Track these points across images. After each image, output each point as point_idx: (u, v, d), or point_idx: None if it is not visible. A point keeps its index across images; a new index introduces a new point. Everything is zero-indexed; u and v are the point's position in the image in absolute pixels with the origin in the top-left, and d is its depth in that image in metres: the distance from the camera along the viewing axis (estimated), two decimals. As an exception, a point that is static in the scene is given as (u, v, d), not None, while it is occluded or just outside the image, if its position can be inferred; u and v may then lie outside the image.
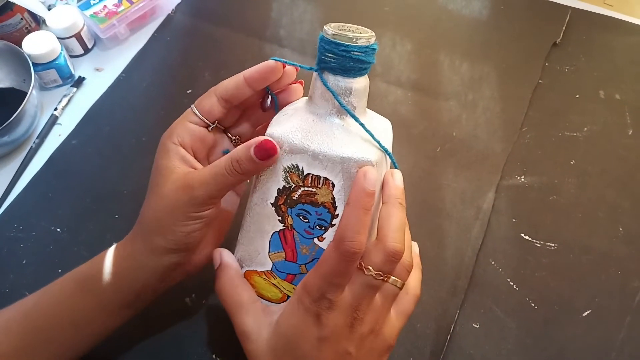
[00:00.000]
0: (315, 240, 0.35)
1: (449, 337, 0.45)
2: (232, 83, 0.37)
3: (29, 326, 0.36)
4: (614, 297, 0.48)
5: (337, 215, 0.34)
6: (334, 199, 0.34)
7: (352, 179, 0.33)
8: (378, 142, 0.34)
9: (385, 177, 0.35)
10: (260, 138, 0.33)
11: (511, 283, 0.48)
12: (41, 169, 0.55)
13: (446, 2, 0.71)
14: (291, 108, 0.37)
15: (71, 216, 0.51)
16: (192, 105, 0.38)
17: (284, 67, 0.37)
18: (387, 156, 0.35)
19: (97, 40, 0.66)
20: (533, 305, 0.47)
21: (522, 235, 0.51)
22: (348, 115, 0.34)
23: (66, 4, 0.66)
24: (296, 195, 0.34)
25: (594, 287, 0.48)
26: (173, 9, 0.69)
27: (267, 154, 0.33)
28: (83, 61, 0.64)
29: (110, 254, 0.38)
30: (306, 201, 0.34)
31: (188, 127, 0.38)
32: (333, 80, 0.33)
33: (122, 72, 0.63)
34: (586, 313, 0.47)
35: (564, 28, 0.67)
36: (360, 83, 0.34)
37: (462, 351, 0.44)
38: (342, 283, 0.32)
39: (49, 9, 0.63)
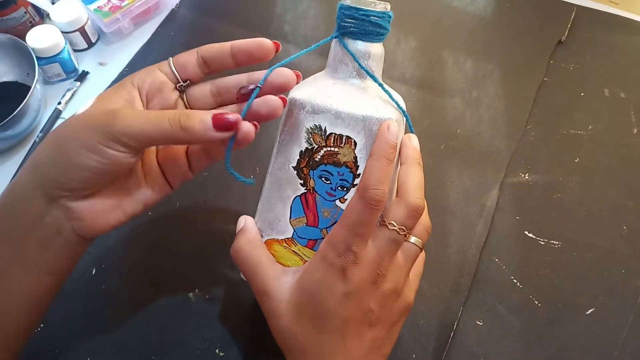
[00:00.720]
0: (337, 202, 0.36)
1: (452, 335, 0.45)
2: (216, 46, 0.36)
3: None
4: (617, 295, 0.47)
5: (359, 175, 0.35)
6: (356, 158, 0.35)
7: (373, 137, 0.34)
8: (397, 103, 0.36)
9: (402, 140, 0.36)
10: (226, 112, 0.32)
11: (515, 281, 0.48)
12: (44, 163, 0.55)
13: (451, -1, 0.71)
14: (309, 78, 0.38)
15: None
16: (170, 58, 0.36)
17: (277, 50, 0.36)
18: (404, 118, 0.37)
19: (101, 35, 0.66)
20: (536, 303, 0.47)
21: (526, 233, 0.51)
22: (367, 77, 0.36)
23: (70, -3, 0.65)
24: (319, 156, 0.35)
25: (597, 285, 0.48)
26: (177, 4, 0.69)
27: (225, 124, 0.31)
28: (87, 55, 0.64)
29: None
30: (329, 162, 0.35)
31: (154, 73, 0.36)
32: (352, 44, 0.35)
33: (126, 67, 0.63)
34: (589, 311, 0.47)
35: (569, 26, 0.66)
36: (378, 48, 0.36)
37: (465, 348, 0.44)
38: (366, 233, 0.32)
39: (53, 3, 0.63)
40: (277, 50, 0.36)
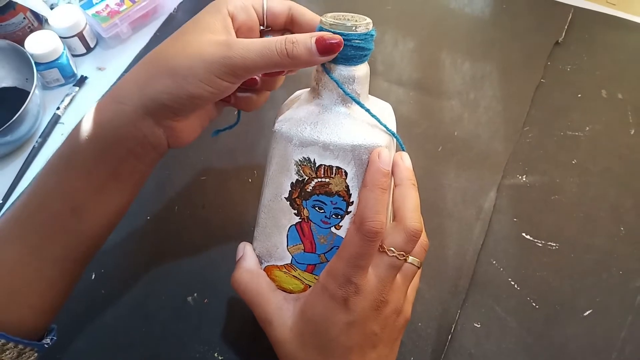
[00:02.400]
0: (333, 229, 0.36)
1: (450, 337, 0.45)
2: (308, 16, 0.36)
3: (28, 225, 0.33)
4: (616, 296, 0.48)
5: (352, 202, 0.35)
6: (347, 186, 0.35)
7: (364, 165, 0.34)
8: (385, 127, 0.35)
9: (394, 160, 0.35)
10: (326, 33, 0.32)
11: (512, 282, 0.48)
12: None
13: (448, 1, 0.71)
14: (294, 102, 0.37)
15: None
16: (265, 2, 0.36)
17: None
18: (394, 139, 0.36)
19: (99, 39, 0.66)
20: (534, 304, 0.47)
21: (524, 234, 0.51)
22: (353, 103, 0.35)
23: (69, 3, 0.66)
24: (310, 187, 0.35)
25: (595, 286, 0.48)
26: (175, 8, 0.69)
27: (328, 49, 0.31)
28: (85, 60, 0.65)
29: (91, 115, 0.34)
30: (320, 192, 0.35)
31: (249, 10, 0.35)
32: (336, 70, 0.34)
33: (124, 71, 0.63)
34: (587, 312, 0.47)
35: (566, 27, 0.66)
36: (362, 70, 0.34)
37: (463, 350, 0.44)
38: (366, 265, 0.33)
39: (52, 8, 0.64)
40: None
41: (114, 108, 0.33)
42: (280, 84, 0.41)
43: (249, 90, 0.40)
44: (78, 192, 0.33)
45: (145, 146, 0.34)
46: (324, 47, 0.31)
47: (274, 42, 0.31)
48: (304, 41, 0.31)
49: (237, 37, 0.35)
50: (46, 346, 0.34)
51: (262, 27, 0.36)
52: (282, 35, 0.33)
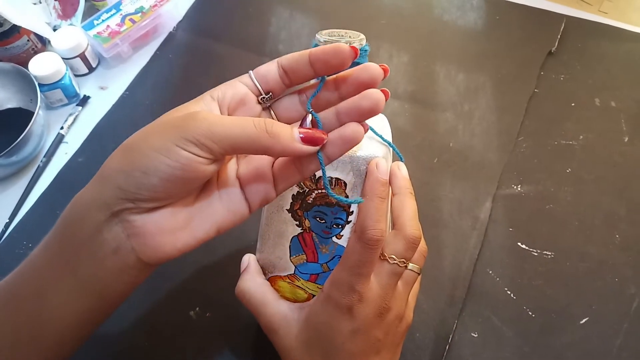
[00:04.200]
0: (334, 238, 0.37)
1: (447, 347, 0.45)
2: (296, 55, 0.31)
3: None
4: (611, 304, 0.48)
5: (352, 212, 0.36)
6: (347, 197, 0.36)
7: (362, 175, 0.35)
8: (382, 137, 0.36)
9: (392, 170, 0.36)
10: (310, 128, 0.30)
11: (509, 292, 0.49)
12: (49, 186, 0.56)
13: (442, 14, 0.72)
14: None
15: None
16: (250, 71, 0.32)
17: (355, 55, 0.30)
18: (391, 150, 0.37)
19: (101, 59, 0.68)
20: (530, 313, 0.47)
21: (519, 244, 0.51)
22: None
23: (70, 25, 0.67)
24: (311, 199, 0.36)
25: (590, 294, 0.49)
26: (174, 27, 0.70)
27: (313, 141, 0.29)
28: (88, 80, 0.66)
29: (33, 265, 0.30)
30: (321, 203, 0.36)
31: (236, 86, 0.32)
32: None
33: (126, 90, 0.64)
34: (583, 320, 0.47)
35: (559, 36, 0.67)
36: None
37: (460, 360, 0.45)
38: (368, 273, 0.34)
39: (54, 30, 0.65)
40: (355, 56, 0.31)
41: (78, 194, 0.30)
42: None
43: None
44: (42, 277, 0.30)
45: (101, 246, 0.28)
46: (308, 139, 0.29)
47: (254, 118, 0.29)
48: (288, 130, 0.29)
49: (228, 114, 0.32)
50: None
51: (262, 96, 0.32)
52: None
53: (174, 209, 0.30)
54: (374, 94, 0.29)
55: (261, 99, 0.32)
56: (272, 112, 0.33)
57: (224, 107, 0.31)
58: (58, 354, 0.32)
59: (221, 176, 0.32)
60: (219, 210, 0.31)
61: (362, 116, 0.30)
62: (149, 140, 0.28)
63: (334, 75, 0.32)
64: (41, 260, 0.30)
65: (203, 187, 0.31)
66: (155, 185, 0.27)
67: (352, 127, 0.30)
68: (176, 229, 0.30)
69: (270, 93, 0.32)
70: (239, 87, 0.32)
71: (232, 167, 0.33)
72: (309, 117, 0.31)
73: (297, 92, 0.33)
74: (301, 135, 0.29)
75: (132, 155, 0.28)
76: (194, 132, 0.27)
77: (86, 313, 0.30)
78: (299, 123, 0.31)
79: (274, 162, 0.33)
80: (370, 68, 0.30)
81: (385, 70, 0.31)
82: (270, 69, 0.32)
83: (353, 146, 0.30)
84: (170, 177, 0.27)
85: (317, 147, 0.29)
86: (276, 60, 0.32)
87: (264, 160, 0.33)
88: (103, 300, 0.30)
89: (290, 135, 0.29)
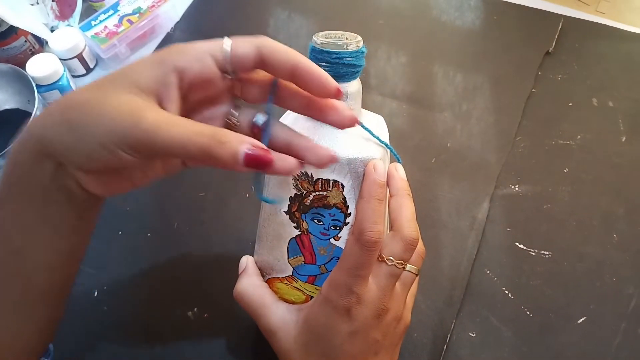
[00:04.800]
0: (332, 240, 0.37)
1: (445, 347, 0.45)
2: (282, 52, 0.30)
3: None
4: (609, 303, 0.48)
5: (350, 214, 0.36)
6: (345, 199, 0.36)
7: (360, 177, 0.35)
8: (379, 139, 0.36)
9: (389, 172, 0.36)
10: (258, 143, 0.28)
11: (506, 292, 0.49)
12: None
13: (440, 14, 0.72)
14: (289, 117, 0.38)
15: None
16: (226, 38, 0.30)
17: (338, 97, 0.30)
18: (388, 151, 0.37)
19: (98, 60, 0.68)
20: (528, 313, 0.47)
21: (517, 244, 0.51)
22: None
23: (68, 25, 0.67)
24: (308, 201, 0.36)
25: (588, 294, 0.49)
26: (172, 27, 0.70)
27: (257, 164, 0.27)
28: (85, 81, 0.66)
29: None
30: (319, 205, 0.36)
31: (205, 62, 0.29)
32: None
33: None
34: (581, 320, 0.47)
35: (556, 37, 0.67)
36: (354, 86, 0.35)
37: (459, 360, 0.45)
38: (366, 274, 0.34)
39: (52, 31, 0.65)
40: (337, 97, 0.30)
41: (15, 151, 0.30)
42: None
43: None
44: (13, 234, 0.31)
45: (58, 190, 0.30)
46: (252, 161, 0.27)
47: (200, 132, 0.27)
48: (232, 146, 0.27)
49: (187, 92, 0.30)
50: None
51: (226, 75, 0.31)
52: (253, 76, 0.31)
53: (116, 172, 0.32)
54: (324, 155, 0.30)
55: (225, 76, 0.31)
56: (236, 88, 0.32)
57: (185, 83, 0.29)
58: (48, 307, 0.34)
59: None
60: (158, 170, 0.34)
61: (304, 158, 0.30)
62: (95, 130, 0.27)
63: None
64: (5, 220, 0.31)
65: None
66: (96, 167, 0.29)
67: (287, 162, 0.28)
68: (117, 181, 0.32)
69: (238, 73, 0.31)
70: (208, 65, 0.30)
71: None
72: (262, 119, 0.31)
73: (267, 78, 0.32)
74: (247, 152, 0.27)
75: (76, 137, 0.28)
76: (136, 142, 0.27)
77: (66, 253, 0.33)
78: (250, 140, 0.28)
79: None
80: (320, 157, 0.31)
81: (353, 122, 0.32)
82: (247, 53, 0.30)
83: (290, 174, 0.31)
84: (109, 164, 0.28)
85: (258, 171, 0.28)
86: (256, 44, 0.30)
87: None
88: (75, 235, 0.33)
89: (234, 158, 0.27)
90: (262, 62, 0.30)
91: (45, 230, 0.31)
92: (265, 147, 0.28)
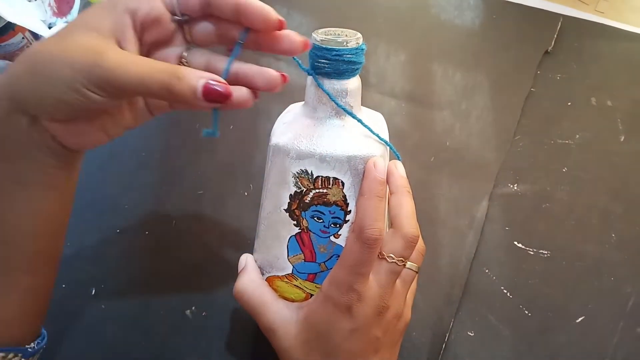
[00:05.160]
0: (332, 238, 0.37)
1: (444, 346, 0.45)
2: None
3: None
4: (607, 302, 0.48)
5: (350, 211, 0.36)
6: (345, 196, 0.35)
7: (360, 175, 0.35)
8: (378, 136, 0.36)
9: (389, 169, 0.36)
10: (216, 77, 0.29)
11: (505, 291, 0.49)
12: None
13: (439, 12, 0.72)
14: (288, 115, 0.38)
15: (73, 232, 0.52)
16: None
17: (281, 27, 0.32)
18: (388, 148, 0.37)
19: (96, 57, 0.67)
20: (527, 312, 0.47)
21: (516, 243, 0.51)
22: (347, 115, 0.36)
23: (66, 22, 0.67)
24: (308, 198, 0.36)
25: (587, 293, 0.49)
26: (171, 25, 0.70)
27: (215, 97, 0.29)
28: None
29: None
30: (319, 202, 0.36)
31: (153, 2, 0.31)
32: (328, 84, 0.35)
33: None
34: (580, 319, 0.47)
35: (555, 36, 0.67)
36: (354, 83, 0.35)
37: (457, 359, 0.45)
38: (367, 272, 0.34)
39: (50, 27, 0.65)
40: (280, 28, 0.32)
41: None
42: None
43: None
44: None
45: (33, 145, 0.30)
46: (210, 94, 0.29)
47: (159, 68, 0.29)
48: (190, 80, 0.29)
49: (141, 33, 0.32)
50: (30, 350, 0.34)
51: (176, 17, 0.32)
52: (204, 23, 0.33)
53: (88, 120, 0.32)
54: (270, 73, 0.33)
55: (175, 19, 0.32)
56: (185, 33, 0.34)
57: (137, 22, 0.31)
58: (35, 274, 0.34)
59: None
60: (127, 116, 0.35)
61: (255, 84, 0.33)
62: (59, 72, 0.28)
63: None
64: None
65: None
66: (65, 110, 0.29)
67: (241, 93, 0.31)
68: (90, 132, 0.33)
69: (187, 16, 0.32)
70: (156, 5, 0.31)
71: None
72: (236, 52, 0.33)
73: (213, 19, 0.33)
74: (206, 85, 0.29)
75: (42, 82, 0.28)
76: (98, 78, 0.28)
77: (47, 214, 0.33)
78: (208, 74, 0.30)
79: None
80: (269, 75, 0.33)
81: (284, 79, 0.34)
82: None
83: (246, 107, 0.32)
84: (79, 107, 0.29)
85: (219, 105, 0.30)
86: None
87: None
88: (54, 192, 0.33)
89: (192, 93, 0.29)
90: (207, 3, 0.32)
91: (24, 192, 0.31)
92: (223, 80, 0.29)
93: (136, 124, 0.37)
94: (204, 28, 0.33)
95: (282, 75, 0.33)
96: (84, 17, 0.30)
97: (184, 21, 0.33)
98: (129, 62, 0.28)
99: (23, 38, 0.64)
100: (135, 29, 0.31)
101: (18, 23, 0.61)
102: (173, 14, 0.32)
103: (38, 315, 0.36)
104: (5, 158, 0.31)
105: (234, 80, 0.33)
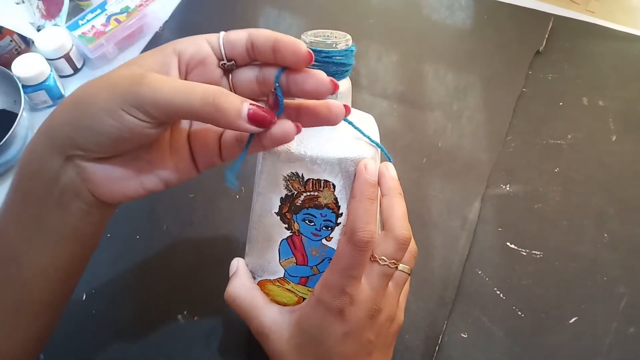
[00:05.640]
0: (323, 241, 0.37)
1: (437, 348, 0.45)
2: (266, 33, 0.30)
3: None
4: (600, 303, 0.48)
5: (342, 214, 0.36)
6: (336, 199, 0.35)
7: (351, 177, 0.35)
8: (369, 138, 0.36)
9: (380, 171, 0.36)
10: (257, 104, 0.29)
11: (498, 292, 0.48)
12: (33, 189, 0.55)
13: (430, 13, 0.72)
14: None
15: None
16: (221, 32, 0.32)
17: (310, 61, 0.30)
18: (379, 150, 0.37)
19: (86, 60, 0.67)
20: (520, 313, 0.47)
21: (508, 244, 0.51)
22: None
23: (55, 25, 0.66)
24: (299, 201, 0.36)
25: (580, 293, 0.49)
26: (161, 27, 0.70)
27: (259, 120, 0.29)
28: (73, 81, 0.65)
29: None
30: (310, 205, 0.36)
31: (200, 44, 0.31)
32: None
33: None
34: (573, 320, 0.47)
35: (546, 36, 0.67)
36: (344, 85, 0.35)
37: (450, 361, 0.45)
38: (359, 275, 0.33)
39: (38, 30, 0.64)
40: (310, 62, 0.30)
41: (28, 144, 0.30)
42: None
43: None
44: (12, 240, 0.31)
45: (63, 191, 0.30)
46: (255, 115, 0.29)
47: (203, 86, 0.28)
48: (237, 99, 0.28)
49: (186, 74, 0.31)
50: None
51: (224, 62, 0.31)
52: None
53: (124, 160, 0.31)
54: (337, 107, 0.31)
55: (222, 65, 0.31)
56: (230, 80, 0.32)
57: (183, 64, 0.31)
58: (42, 317, 0.33)
59: (173, 134, 0.33)
60: (168, 166, 0.33)
61: (317, 123, 0.31)
62: (98, 97, 0.28)
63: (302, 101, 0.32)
64: (7, 225, 0.31)
65: (155, 142, 0.32)
66: (102, 142, 0.28)
67: (285, 126, 0.30)
68: (125, 179, 0.31)
69: (233, 61, 0.31)
70: (203, 47, 0.31)
71: (185, 125, 0.34)
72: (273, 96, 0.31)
73: (259, 66, 0.32)
74: (250, 111, 0.28)
75: (80, 111, 0.28)
76: (138, 98, 0.27)
77: (63, 264, 0.32)
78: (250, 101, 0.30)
79: (222, 133, 0.34)
80: (334, 108, 0.31)
81: (335, 86, 0.31)
82: (240, 37, 0.31)
83: (280, 144, 0.31)
84: (117, 137, 0.28)
85: (262, 129, 0.29)
86: (248, 30, 0.31)
87: (211, 130, 0.34)
88: (75, 246, 0.32)
89: (237, 112, 0.28)
90: (252, 46, 0.31)
91: (44, 237, 0.31)
92: (264, 107, 0.29)
93: (177, 175, 0.33)
94: (246, 76, 0.32)
95: (332, 81, 0.31)
96: (131, 61, 0.30)
97: (230, 67, 0.32)
98: (171, 81, 0.28)
99: (11, 41, 0.63)
100: (181, 70, 0.31)
101: (6, 26, 0.60)
102: (220, 59, 0.31)
103: (40, 349, 0.35)
104: (33, 198, 0.30)
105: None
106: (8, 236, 0.31)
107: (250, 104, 0.29)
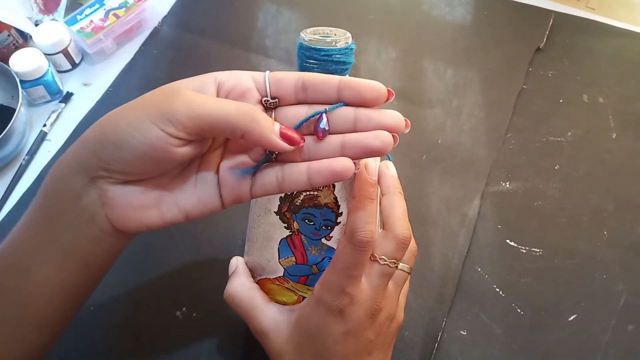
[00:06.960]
0: (323, 240, 0.37)
1: (436, 345, 0.45)
2: (323, 76, 0.30)
3: None
4: (599, 300, 0.48)
5: (341, 213, 0.36)
6: (336, 198, 0.35)
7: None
8: None
9: (380, 170, 0.36)
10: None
11: (497, 289, 0.48)
12: (31, 185, 0.55)
13: (430, 9, 0.71)
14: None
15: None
16: (267, 71, 0.31)
17: (389, 98, 0.30)
18: None
19: (84, 55, 0.66)
20: (519, 310, 0.47)
21: (508, 241, 0.51)
22: None
23: (53, 20, 0.66)
24: (299, 201, 0.36)
25: (579, 291, 0.49)
26: (159, 22, 0.69)
27: (290, 140, 0.29)
28: (71, 76, 0.65)
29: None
30: (309, 205, 0.35)
31: (243, 77, 0.31)
32: None
33: (110, 87, 0.63)
34: (572, 317, 0.47)
35: (547, 32, 0.67)
36: None
37: (450, 358, 0.45)
38: (359, 274, 0.33)
39: (36, 25, 0.64)
40: (388, 98, 0.30)
41: (57, 160, 0.30)
42: None
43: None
44: (23, 250, 0.31)
45: (80, 212, 0.29)
46: (286, 135, 0.29)
47: (237, 102, 0.29)
48: (269, 117, 0.29)
49: None
50: None
51: (267, 99, 0.31)
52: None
53: (147, 186, 0.30)
54: (386, 137, 0.29)
55: (265, 101, 0.31)
56: (273, 117, 0.31)
57: (223, 93, 0.30)
58: (43, 334, 0.32)
59: (202, 165, 0.32)
60: (191, 198, 0.31)
61: (366, 153, 0.29)
62: (126, 113, 0.28)
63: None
64: (22, 237, 0.31)
65: (181, 171, 0.32)
66: (126, 159, 0.28)
67: (343, 162, 0.29)
68: (145, 207, 0.30)
69: (277, 99, 0.31)
70: (245, 80, 0.31)
71: (215, 158, 0.32)
72: (324, 119, 0.30)
73: (305, 105, 0.31)
74: (281, 129, 0.29)
75: (107, 126, 0.28)
76: (170, 109, 0.27)
77: (70, 285, 0.31)
78: (278, 118, 0.31)
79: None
80: (396, 118, 0.30)
81: (390, 94, 0.30)
82: (288, 77, 0.30)
83: (337, 181, 0.30)
84: (141, 154, 0.28)
85: (292, 147, 0.29)
86: (299, 73, 0.31)
87: (245, 162, 0.32)
88: (85, 269, 0.31)
89: (271, 126, 0.29)
90: (303, 87, 0.30)
91: (55, 253, 0.30)
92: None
93: (200, 209, 0.32)
94: (293, 114, 0.31)
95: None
96: (168, 85, 0.30)
97: (274, 105, 0.31)
98: (206, 97, 0.28)
99: (9, 36, 0.63)
100: (219, 97, 0.30)
101: (3, 20, 0.60)
102: (263, 95, 0.31)
103: None
104: (51, 213, 0.30)
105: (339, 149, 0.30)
106: (19, 246, 0.31)
107: (281, 124, 0.29)
